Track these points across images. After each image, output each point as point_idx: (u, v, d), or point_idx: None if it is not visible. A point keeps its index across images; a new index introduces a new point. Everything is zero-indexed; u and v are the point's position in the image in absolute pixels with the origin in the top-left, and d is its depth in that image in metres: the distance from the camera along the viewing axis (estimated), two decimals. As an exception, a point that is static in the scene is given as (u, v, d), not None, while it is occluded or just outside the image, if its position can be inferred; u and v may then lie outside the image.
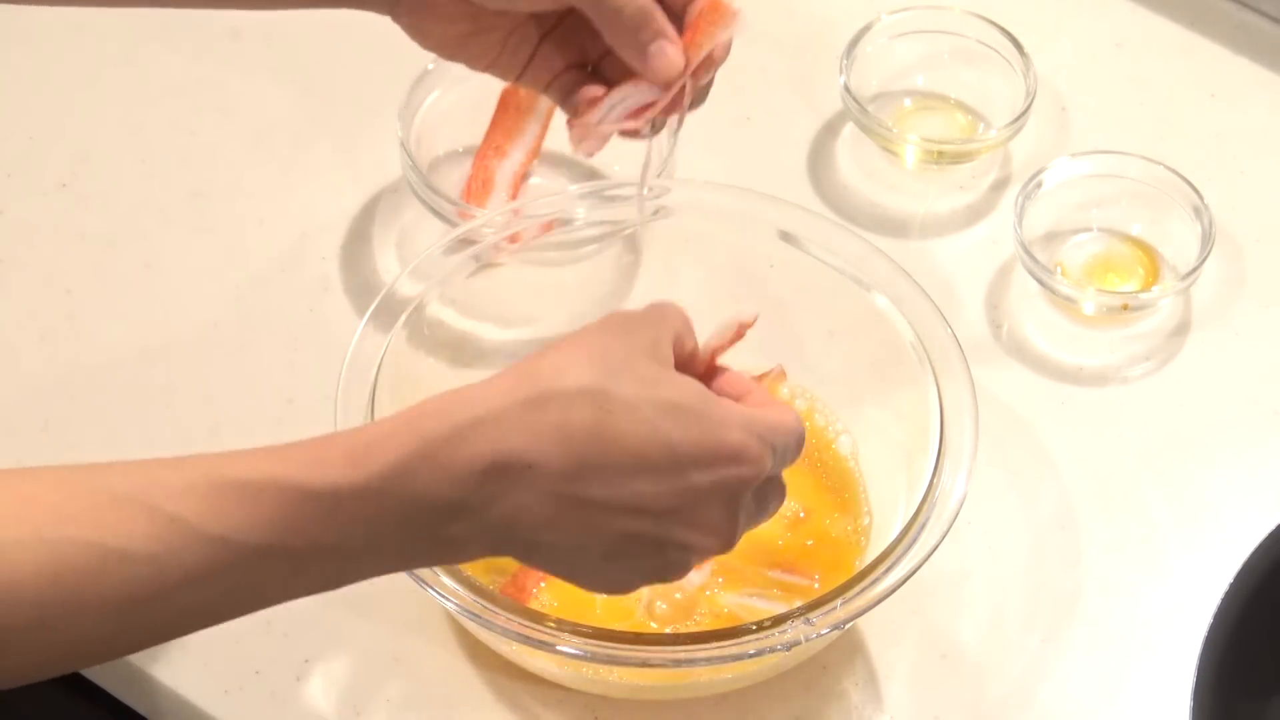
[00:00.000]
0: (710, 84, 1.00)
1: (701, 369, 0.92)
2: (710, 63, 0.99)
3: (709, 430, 0.86)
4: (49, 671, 0.82)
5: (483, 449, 0.83)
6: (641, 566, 0.88)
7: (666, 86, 0.98)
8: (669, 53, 0.97)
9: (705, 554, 0.88)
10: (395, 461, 0.82)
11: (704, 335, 0.93)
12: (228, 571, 0.81)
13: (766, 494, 0.90)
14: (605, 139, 1.00)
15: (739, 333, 0.94)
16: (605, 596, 1.04)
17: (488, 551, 0.86)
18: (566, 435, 0.84)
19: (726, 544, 0.88)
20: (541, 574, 1.05)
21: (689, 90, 0.99)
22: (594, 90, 0.99)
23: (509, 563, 1.06)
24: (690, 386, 0.87)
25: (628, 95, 0.99)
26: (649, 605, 1.05)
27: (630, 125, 0.99)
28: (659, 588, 1.05)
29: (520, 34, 1.01)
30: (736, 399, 0.90)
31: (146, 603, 0.80)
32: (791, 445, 0.90)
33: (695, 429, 0.86)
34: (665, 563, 0.88)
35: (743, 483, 0.87)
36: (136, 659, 1.06)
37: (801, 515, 1.09)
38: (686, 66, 0.97)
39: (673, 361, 0.89)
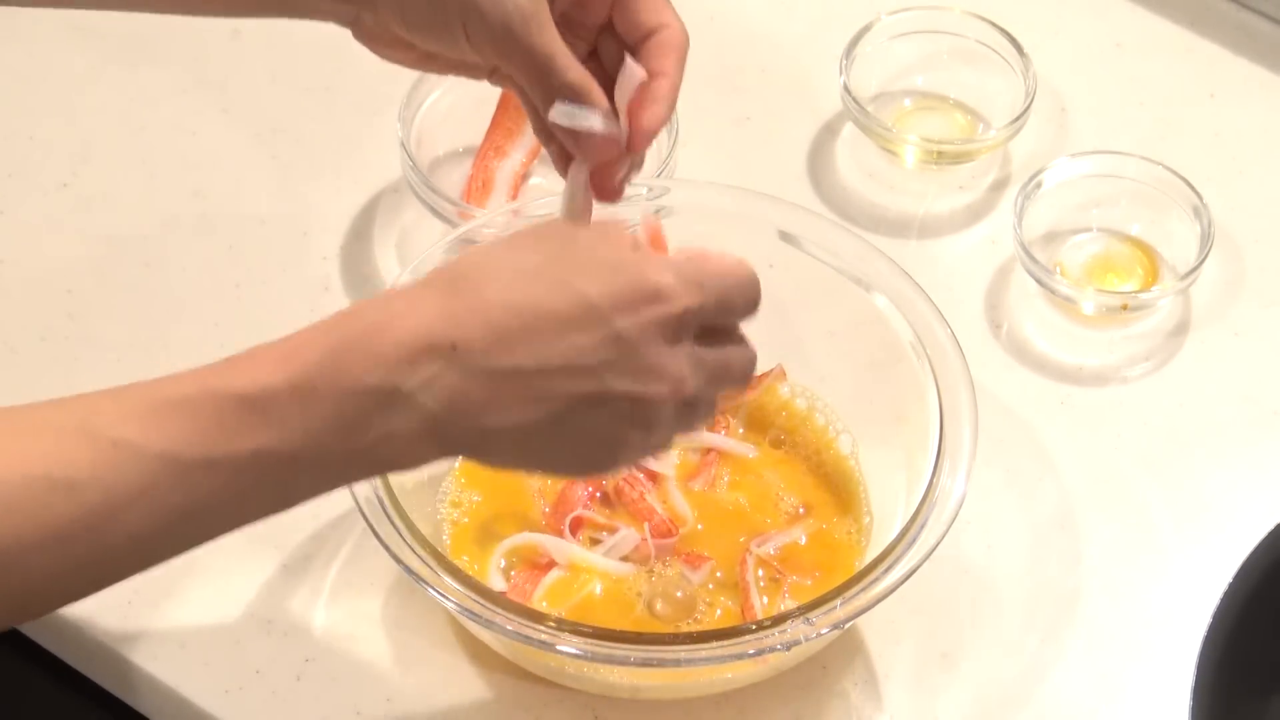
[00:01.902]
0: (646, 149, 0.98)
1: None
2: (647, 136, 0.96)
3: (624, 276, 0.86)
4: (7, 613, 0.81)
5: (403, 335, 0.83)
6: (601, 433, 0.87)
7: (600, 159, 0.96)
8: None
9: (658, 403, 0.87)
10: (321, 356, 0.83)
11: None
12: (176, 490, 0.81)
13: (724, 351, 0.89)
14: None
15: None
16: (606, 578, 1.05)
17: (436, 448, 0.85)
18: (483, 311, 0.84)
19: (676, 387, 0.87)
20: (541, 575, 1.05)
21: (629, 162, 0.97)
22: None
23: (509, 563, 1.06)
24: (604, 239, 0.87)
25: (577, 178, 0.97)
26: (649, 604, 1.05)
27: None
28: (659, 587, 1.05)
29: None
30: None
31: (97, 529, 0.80)
32: (732, 287, 0.89)
33: (610, 278, 0.86)
34: (623, 424, 0.86)
35: (672, 319, 0.86)
36: (137, 659, 1.06)
37: (801, 511, 1.09)
38: (619, 144, 0.95)
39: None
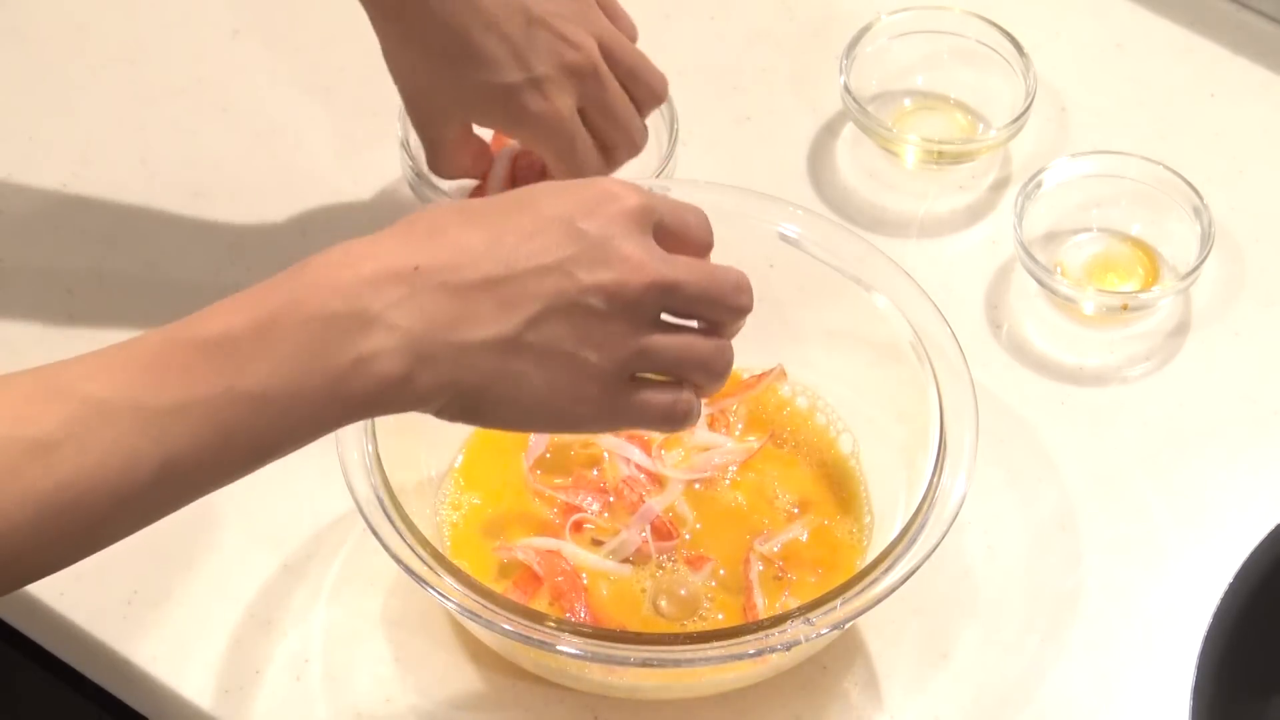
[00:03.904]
0: None
1: None
2: None
3: (574, 188, 0.88)
4: None
5: (365, 265, 0.84)
6: (582, 338, 0.86)
7: None
8: None
9: (631, 290, 0.86)
10: (284, 296, 0.83)
11: None
12: (150, 439, 0.80)
13: (694, 342, 0.89)
14: None
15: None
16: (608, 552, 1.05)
17: (418, 374, 0.84)
18: (444, 236, 0.85)
19: (645, 273, 0.86)
20: (543, 577, 1.05)
21: None
22: None
23: (511, 564, 1.06)
24: (556, 184, 0.89)
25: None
26: (654, 602, 1.05)
27: None
28: (663, 584, 1.05)
29: None
30: None
31: (76, 487, 0.79)
32: (685, 208, 0.90)
33: (561, 193, 0.88)
34: (604, 323, 0.86)
35: (630, 211, 0.87)
36: (137, 659, 1.06)
37: (795, 511, 1.09)
38: None
39: None
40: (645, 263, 0.87)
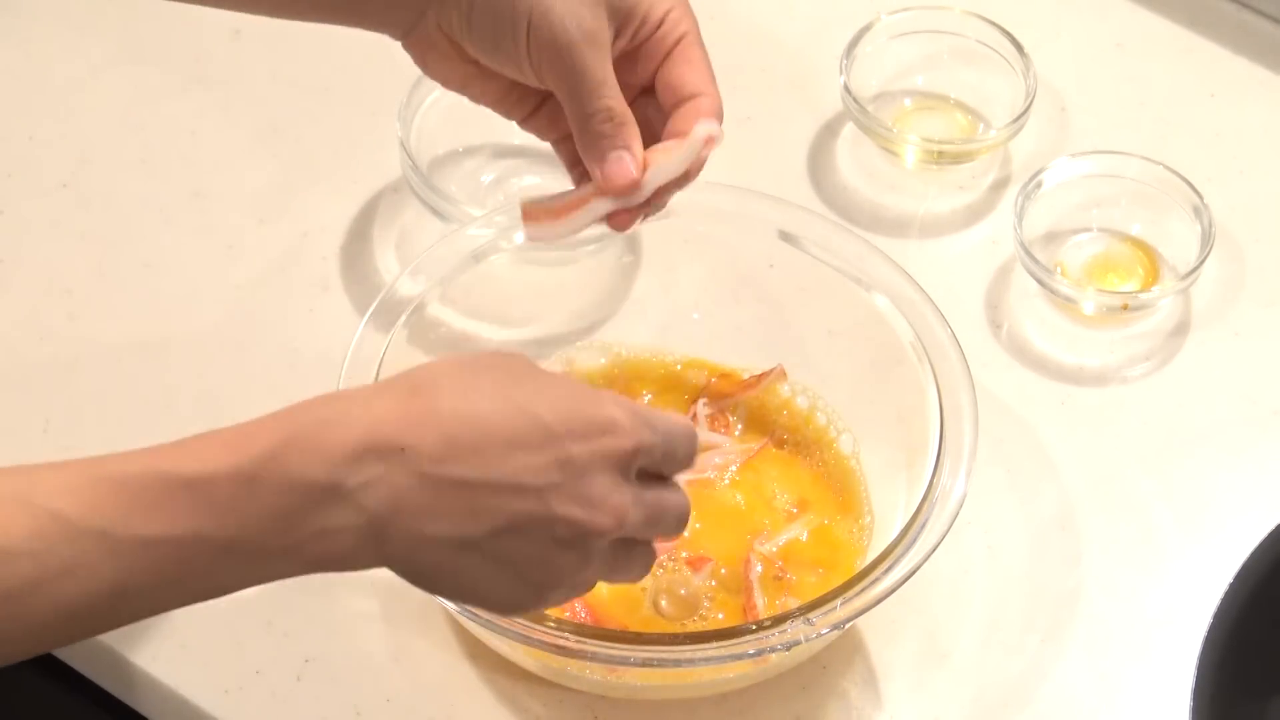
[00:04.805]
0: (668, 198, 1.01)
1: None
2: (681, 180, 1.00)
3: (580, 405, 0.86)
4: None
5: (354, 432, 0.83)
6: (536, 557, 0.86)
7: (617, 195, 0.98)
8: (626, 165, 0.98)
9: (598, 533, 0.86)
10: (268, 446, 0.82)
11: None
12: (110, 566, 0.80)
13: (662, 495, 0.89)
14: (561, 239, 1.01)
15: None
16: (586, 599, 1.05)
17: (372, 551, 0.84)
18: (437, 419, 0.84)
19: (617, 519, 0.86)
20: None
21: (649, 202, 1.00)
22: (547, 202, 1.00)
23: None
24: (562, 377, 0.88)
25: (592, 206, 0.99)
26: (654, 601, 1.05)
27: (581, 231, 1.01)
28: (663, 584, 1.05)
29: (523, 89, 1.02)
30: None
31: (27, 598, 0.79)
32: (678, 436, 0.89)
33: (565, 405, 0.86)
34: (559, 550, 0.86)
35: (623, 453, 0.86)
36: (137, 659, 1.06)
37: (795, 510, 1.09)
38: (641, 186, 0.98)
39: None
40: (616, 508, 0.86)
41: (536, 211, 1.00)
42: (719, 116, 0.99)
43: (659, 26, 0.98)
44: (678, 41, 0.98)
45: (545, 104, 1.02)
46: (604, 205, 0.99)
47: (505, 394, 0.85)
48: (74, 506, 0.80)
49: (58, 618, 0.81)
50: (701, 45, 0.99)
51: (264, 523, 0.82)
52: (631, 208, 0.99)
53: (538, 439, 0.85)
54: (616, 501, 0.86)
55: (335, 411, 0.84)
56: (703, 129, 0.99)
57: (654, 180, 0.98)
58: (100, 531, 0.80)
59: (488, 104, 1.03)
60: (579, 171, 1.02)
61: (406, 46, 1.01)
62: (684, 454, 0.90)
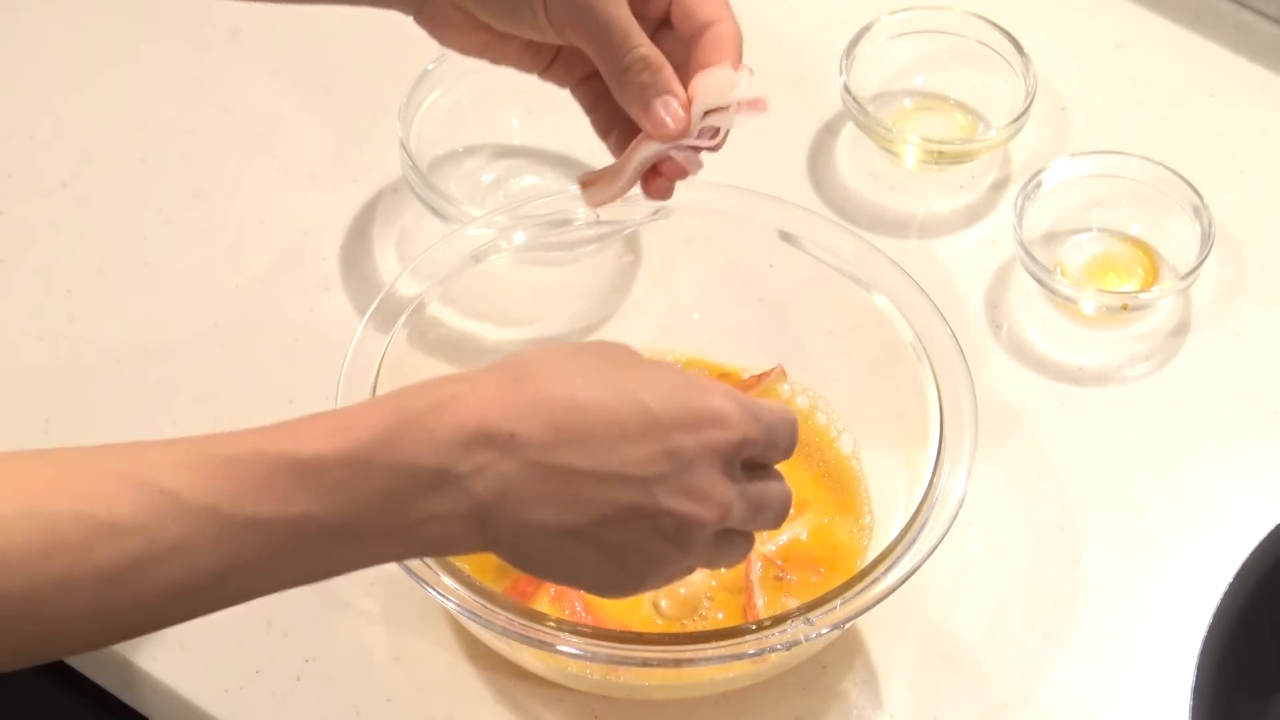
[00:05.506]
0: (726, 133, 1.00)
1: None
2: (725, 113, 0.99)
3: (688, 396, 0.86)
4: (42, 652, 0.81)
5: (464, 418, 0.83)
6: (637, 546, 0.86)
7: (670, 139, 0.97)
8: (674, 108, 0.97)
9: (701, 525, 0.86)
10: (378, 430, 0.83)
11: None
12: (217, 544, 0.81)
13: (765, 486, 0.89)
14: (622, 195, 1.00)
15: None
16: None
17: (477, 535, 0.85)
18: (546, 407, 0.84)
19: (722, 513, 0.87)
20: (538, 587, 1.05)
21: (707, 136, 0.99)
22: (599, 174, 1.00)
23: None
24: (668, 366, 0.88)
25: (641, 152, 0.98)
26: (654, 601, 1.05)
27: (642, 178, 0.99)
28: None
29: (539, 44, 1.01)
30: None
31: (137, 574, 0.80)
32: (780, 426, 0.89)
33: (673, 396, 0.86)
34: (661, 541, 0.86)
35: (730, 445, 0.86)
36: (137, 659, 1.06)
37: (793, 510, 1.09)
38: (689, 126, 0.97)
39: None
40: (721, 502, 0.87)
41: (593, 178, 1.00)
42: (740, 40, 0.98)
43: None
44: None
45: (561, 52, 1.02)
46: (654, 148, 0.98)
47: (613, 382, 0.86)
48: (184, 484, 0.80)
49: (165, 595, 0.81)
50: None
51: (372, 506, 0.83)
52: (680, 154, 0.98)
53: (645, 429, 0.85)
54: (722, 495, 0.87)
55: (444, 396, 0.84)
56: (742, 81, 0.97)
57: (698, 114, 0.98)
58: (210, 509, 0.80)
59: (507, 64, 1.03)
60: (600, 114, 1.02)
61: (419, 21, 1.01)
62: (786, 444, 0.90)
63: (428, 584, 0.98)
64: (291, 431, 0.83)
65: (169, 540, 0.80)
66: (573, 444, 0.84)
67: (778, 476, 0.91)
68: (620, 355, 0.88)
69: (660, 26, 1.00)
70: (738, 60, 0.97)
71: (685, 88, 0.97)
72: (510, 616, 0.97)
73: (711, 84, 0.97)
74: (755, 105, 0.98)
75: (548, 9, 0.95)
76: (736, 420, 0.87)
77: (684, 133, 0.97)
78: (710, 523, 0.87)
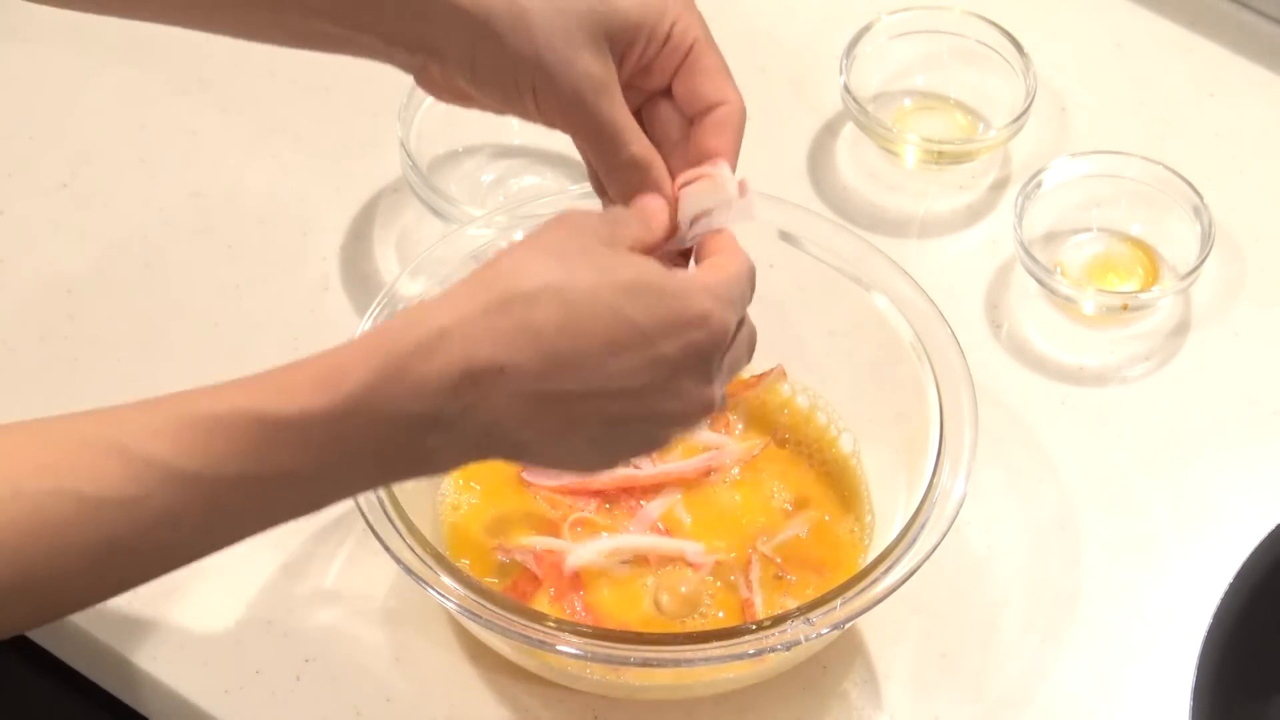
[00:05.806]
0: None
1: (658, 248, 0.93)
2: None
3: (670, 303, 0.87)
4: (32, 624, 0.82)
5: (452, 359, 0.83)
6: (630, 442, 0.90)
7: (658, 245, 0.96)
8: (658, 216, 0.95)
9: (691, 419, 0.89)
10: (364, 382, 0.82)
11: None
12: (204, 507, 0.81)
13: (739, 346, 0.91)
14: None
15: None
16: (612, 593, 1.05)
17: (469, 459, 0.86)
18: (534, 334, 0.84)
19: (708, 406, 0.89)
20: (544, 581, 1.05)
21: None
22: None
23: (510, 564, 1.06)
24: (646, 264, 0.88)
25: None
26: (654, 600, 1.05)
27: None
28: (665, 583, 1.05)
29: None
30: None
31: (127, 545, 0.80)
32: (746, 289, 0.91)
33: (657, 304, 0.86)
34: (652, 431, 0.89)
35: (714, 345, 0.88)
36: (137, 659, 1.06)
37: (789, 508, 1.09)
38: (678, 226, 0.95)
39: (628, 246, 0.90)
40: (711, 399, 0.89)
41: None
42: (743, 123, 0.97)
43: (667, 41, 0.96)
44: (689, 50, 0.97)
45: None
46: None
47: (601, 297, 0.86)
48: (167, 451, 0.80)
49: (151, 560, 0.82)
50: (713, 48, 0.97)
51: (362, 456, 0.83)
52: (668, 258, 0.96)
53: (633, 342, 0.86)
54: (711, 393, 0.89)
55: (429, 334, 0.83)
56: (727, 178, 0.96)
57: (686, 214, 0.96)
58: (195, 475, 0.80)
59: (509, 114, 1.02)
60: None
61: (419, 84, 0.99)
62: (751, 294, 0.92)
63: (428, 584, 0.98)
64: (272, 385, 0.83)
65: (156, 510, 0.80)
66: (564, 369, 0.85)
67: (746, 323, 0.92)
68: (596, 248, 0.87)
69: (663, 95, 0.98)
70: (737, 144, 0.97)
71: (683, 167, 0.96)
72: (510, 616, 0.97)
73: (698, 191, 0.95)
74: (743, 212, 0.96)
75: (538, 101, 0.95)
76: (719, 320, 0.88)
77: (669, 236, 0.95)
78: (698, 415, 0.89)
